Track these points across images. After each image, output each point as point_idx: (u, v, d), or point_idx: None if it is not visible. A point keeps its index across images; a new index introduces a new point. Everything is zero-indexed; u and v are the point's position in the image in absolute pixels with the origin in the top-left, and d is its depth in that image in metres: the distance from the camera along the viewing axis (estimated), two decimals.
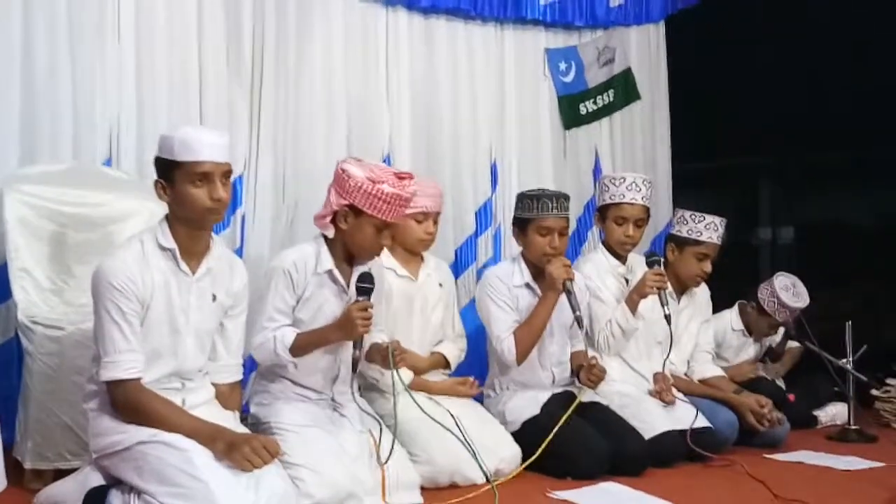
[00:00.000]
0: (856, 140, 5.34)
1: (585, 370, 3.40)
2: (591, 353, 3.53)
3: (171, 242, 2.49)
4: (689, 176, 5.54)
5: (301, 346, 2.86)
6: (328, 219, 2.91)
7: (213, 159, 2.45)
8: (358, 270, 2.95)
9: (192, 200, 2.44)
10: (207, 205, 2.45)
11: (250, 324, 2.85)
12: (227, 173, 2.50)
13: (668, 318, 3.55)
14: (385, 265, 3.34)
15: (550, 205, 3.39)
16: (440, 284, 3.57)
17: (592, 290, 3.69)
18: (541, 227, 3.40)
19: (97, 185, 3.42)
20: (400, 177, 2.90)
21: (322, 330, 2.89)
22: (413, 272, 3.48)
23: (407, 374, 3.21)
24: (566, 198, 3.47)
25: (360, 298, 2.84)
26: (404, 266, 3.46)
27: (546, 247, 3.40)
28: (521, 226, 3.49)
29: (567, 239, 3.49)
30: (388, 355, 2.88)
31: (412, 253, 3.49)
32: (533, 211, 3.41)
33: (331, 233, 2.92)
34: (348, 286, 2.94)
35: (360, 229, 2.87)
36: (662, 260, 3.84)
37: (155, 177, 2.52)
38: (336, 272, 2.93)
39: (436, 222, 3.49)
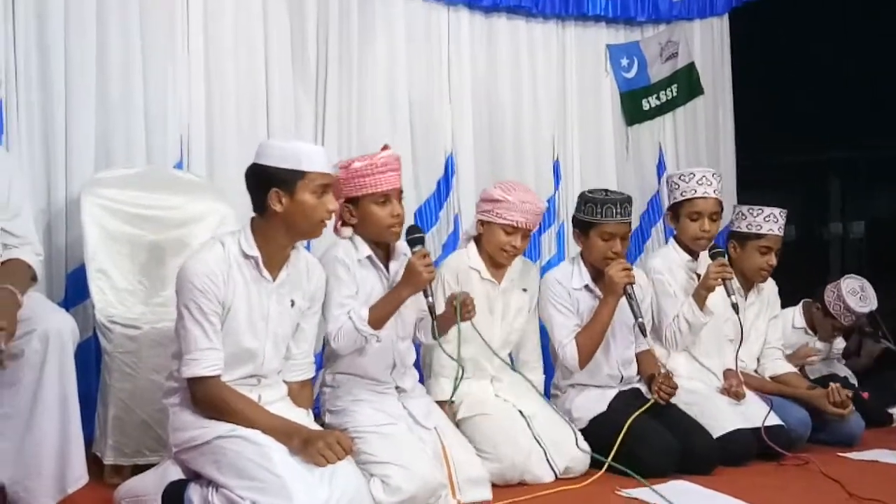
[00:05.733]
0: None
1: (658, 382, 3.35)
2: (664, 368, 3.45)
3: (254, 251, 2.53)
4: (757, 172, 5.46)
5: (377, 316, 2.88)
6: (339, 223, 2.99)
7: (330, 171, 2.58)
8: (394, 263, 3.01)
9: (314, 210, 2.51)
10: (322, 216, 2.53)
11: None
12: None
13: (735, 306, 3.50)
14: (470, 265, 3.34)
15: (615, 210, 3.33)
16: (524, 290, 3.48)
17: (661, 284, 3.65)
18: (604, 233, 3.35)
19: (170, 188, 3.52)
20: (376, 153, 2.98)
21: (391, 292, 2.93)
22: (497, 276, 3.39)
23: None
24: (629, 201, 3.41)
25: (416, 249, 2.90)
26: (490, 269, 3.38)
27: (608, 251, 3.35)
28: (582, 228, 3.43)
29: (628, 242, 3.45)
30: (456, 306, 2.95)
31: (495, 261, 3.40)
32: (596, 215, 3.34)
33: (349, 232, 2.98)
34: (388, 271, 2.99)
35: (366, 213, 2.93)
36: (725, 252, 3.78)
37: (253, 186, 2.54)
38: (374, 257, 2.98)
39: (525, 237, 3.36)
